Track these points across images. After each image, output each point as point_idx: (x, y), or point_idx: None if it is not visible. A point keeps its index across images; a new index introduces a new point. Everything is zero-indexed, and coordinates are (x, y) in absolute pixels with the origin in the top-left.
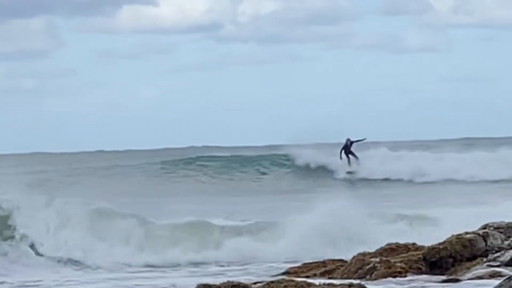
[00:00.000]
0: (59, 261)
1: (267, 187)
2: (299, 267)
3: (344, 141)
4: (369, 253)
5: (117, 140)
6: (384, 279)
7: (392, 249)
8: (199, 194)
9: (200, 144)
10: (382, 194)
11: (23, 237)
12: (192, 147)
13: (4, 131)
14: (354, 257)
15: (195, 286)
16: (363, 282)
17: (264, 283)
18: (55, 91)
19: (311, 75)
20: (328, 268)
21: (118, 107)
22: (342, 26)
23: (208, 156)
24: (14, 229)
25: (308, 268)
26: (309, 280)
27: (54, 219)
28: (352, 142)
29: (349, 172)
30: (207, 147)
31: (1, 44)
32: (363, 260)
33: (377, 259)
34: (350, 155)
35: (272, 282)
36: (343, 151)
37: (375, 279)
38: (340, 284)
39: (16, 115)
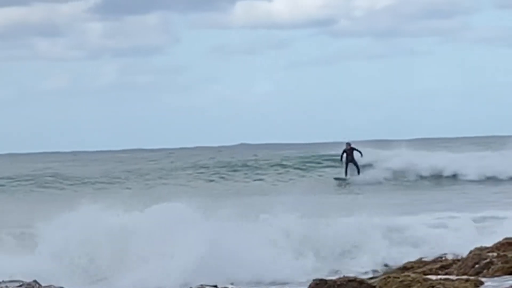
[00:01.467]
0: None
1: None
2: (415, 262)
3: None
4: (486, 248)
5: (232, 135)
6: (502, 276)
7: (509, 244)
8: None
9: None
10: None
11: None
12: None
13: (120, 126)
14: (471, 251)
15: (311, 281)
16: (480, 278)
17: (380, 277)
18: (170, 87)
19: (426, 69)
20: (444, 263)
21: (231, 102)
22: (458, 19)
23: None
24: None
25: (424, 263)
26: (426, 276)
27: None
28: (352, 148)
29: (337, 179)
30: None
31: (117, 41)
32: (480, 255)
33: (494, 254)
34: (350, 163)
35: (388, 277)
36: (343, 156)
37: (492, 275)
38: (457, 279)
39: (131, 110)
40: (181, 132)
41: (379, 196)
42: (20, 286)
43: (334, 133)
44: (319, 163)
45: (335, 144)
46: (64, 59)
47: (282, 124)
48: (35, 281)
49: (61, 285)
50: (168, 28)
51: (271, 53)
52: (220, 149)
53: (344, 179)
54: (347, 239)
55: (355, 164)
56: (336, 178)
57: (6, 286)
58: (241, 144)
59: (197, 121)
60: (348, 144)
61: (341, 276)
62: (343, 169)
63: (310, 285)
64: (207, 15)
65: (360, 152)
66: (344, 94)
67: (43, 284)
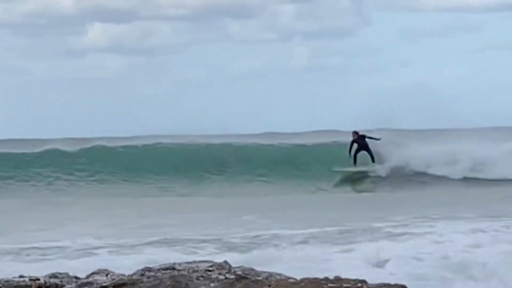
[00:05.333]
0: None
1: None
2: None
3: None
4: None
5: (422, 118)
6: None
7: None
8: None
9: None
10: None
11: None
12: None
13: (311, 108)
14: None
15: None
16: None
17: None
18: (361, 70)
19: None
20: None
21: (423, 86)
22: None
23: None
24: None
25: None
26: None
27: None
28: (362, 136)
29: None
30: None
31: (308, 23)
32: None
33: None
34: (362, 151)
35: None
36: (352, 147)
37: None
38: None
39: (321, 93)
40: (371, 114)
41: None
42: (211, 266)
43: None
44: None
45: None
46: (255, 41)
47: (473, 108)
48: (225, 261)
49: None
50: (359, 10)
51: (464, 36)
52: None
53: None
54: None
55: (369, 152)
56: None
57: (197, 266)
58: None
59: (387, 104)
60: (356, 132)
61: None
62: (352, 160)
63: None
64: None
65: (374, 138)
66: None
67: (233, 265)
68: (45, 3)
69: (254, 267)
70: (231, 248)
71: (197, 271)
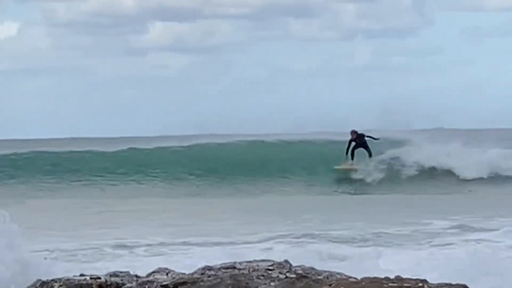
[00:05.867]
0: None
1: None
2: None
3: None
4: None
5: (483, 118)
6: None
7: None
8: None
9: None
10: None
11: None
12: None
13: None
14: None
15: None
16: None
17: None
18: (422, 69)
19: None
20: None
21: (485, 86)
22: None
23: None
24: None
25: None
26: None
27: None
28: (361, 135)
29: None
30: None
31: (371, 22)
32: None
33: None
34: (358, 149)
35: None
36: (350, 147)
37: None
38: None
39: (383, 92)
40: (431, 113)
41: None
42: (272, 265)
43: None
44: None
45: None
46: (317, 40)
47: None
48: (286, 260)
49: None
50: (421, 10)
51: None
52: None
53: (344, 169)
54: None
55: (367, 149)
56: (337, 170)
57: (258, 265)
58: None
59: (449, 103)
60: (354, 132)
61: None
62: (349, 157)
63: None
64: None
65: (373, 137)
66: None
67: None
68: (108, 2)
69: (315, 266)
70: (291, 247)
71: (257, 270)
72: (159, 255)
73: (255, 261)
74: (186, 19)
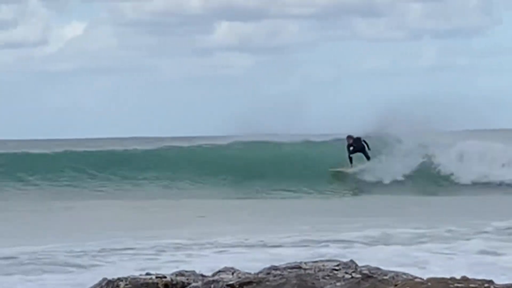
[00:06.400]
0: None
1: None
2: None
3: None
4: None
5: None
6: None
7: None
8: None
9: None
10: None
11: None
12: None
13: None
14: None
15: None
16: None
17: None
18: (489, 69)
19: None
20: None
21: None
22: None
23: None
24: None
25: None
26: None
27: None
28: (357, 139)
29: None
30: None
31: (438, 22)
32: None
33: None
34: (356, 153)
35: None
36: (350, 151)
37: None
38: None
39: (449, 92)
40: (498, 113)
41: None
42: (337, 265)
43: None
44: None
45: None
46: (383, 39)
47: None
48: (351, 260)
49: None
50: (488, 9)
51: None
52: None
53: (340, 172)
54: None
55: (365, 153)
56: (334, 170)
57: (323, 265)
58: None
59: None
60: (350, 137)
61: None
62: (348, 161)
63: None
64: None
65: (367, 144)
66: None
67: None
68: (174, 2)
69: (381, 267)
70: (356, 247)
71: (323, 270)
72: (224, 254)
73: (321, 261)
74: (252, 19)
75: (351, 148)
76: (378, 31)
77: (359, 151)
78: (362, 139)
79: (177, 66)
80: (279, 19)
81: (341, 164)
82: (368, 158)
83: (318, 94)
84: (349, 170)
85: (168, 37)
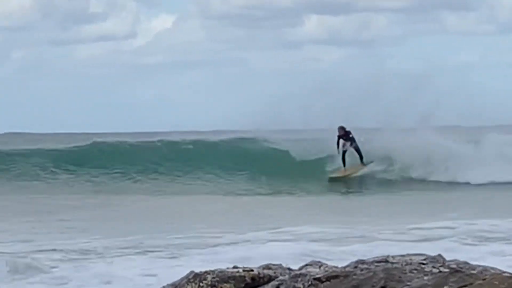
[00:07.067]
0: None
1: None
2: None
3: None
4: None
5: None
6: None
7: None
8: None
9: None
10: None
11: None
12: None
13: None
14: None
15: None
16: None
17: None
18: None
19: None
20: None
21: None
22: None
23: None
24: None
25: None
26: None
27: None
28: (348, 133)
29: (333, 177)
30: None
31: None
32: None
33: None
34: (348, 150)
35: None
36: (339, 145)
37: None
38: None
39: None
40: None
41: None
42: (425, 259)
43: None
44: None
45: None
46: (473, 33)
47: None
48: (439, 255)
49: None
50: None
51: None
52: None
53: (340, 177)
54: None
55: (358, 151)
56: (332, 178)
57: (411, 259)
58: None
59: None
60: (342, 128)
61: None
62: (341, 160)
63: None
64: None
65: (355, 140)
66: None
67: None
68: None
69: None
70: (445, 242)
71: (410, 264)
72: (310, 248)
73: (408, 255)
74: (341, 12)
75: (342, 140)
76: (468, 24)
77: (351, 146)
78: (351, 134)
79: (265, 59)
80: (368, 12)
81: (338, 169)
82: (361, 158)
83: (406, 88)
84: (347, 172)
85: (257, 30)
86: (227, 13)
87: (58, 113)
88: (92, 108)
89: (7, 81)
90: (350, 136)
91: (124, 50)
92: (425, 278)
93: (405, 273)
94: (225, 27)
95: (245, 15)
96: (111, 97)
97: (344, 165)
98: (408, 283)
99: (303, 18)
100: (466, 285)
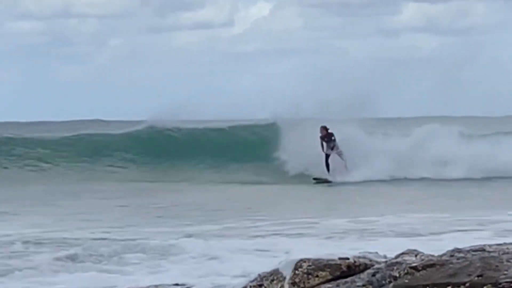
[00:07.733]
0: None
1: None
2: None
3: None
4: None
5: None
6: None
7: None
8: None
9: None
10: None
11: None
12: None
13: None
14: None
15: None
16: None
17: None
18: None
19: None
20: None
21: None
22: None
23: None
24: None
25: None
26: None
27: None
28: (331, 134)
29: (317, 179)
30: None
31: None
32: None
33: None
34: (331, 155)
35: None
36: (324, 147)
37: None
38: None
39: None
40: None
41: None
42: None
43: None
44: None
45: None
46: None
47: None
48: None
49: None
50: None
51: None
52: None
53: (326, 181)
54: None
55: (340, 154)
56: (316, 179)
57: (507, 248)
58: None
59: None
60: (324, 128)
61: None
62: (324, 165)
63: None
64: None
65: (337, 145)
66: None
67: None
68: None
69: None
70: None
71: (507, 253)
72: (407, 237)
73: (505, 244)
74: (440, 0)
75: (324, 143)
76: None
77: (333, 149)
78: (333, 137)
79: (362, 47)
80: (467, 0)
81: (323, 172)
82: (345, 164)
83: (502, 76)
84: (330, 178)
85: (354, 18)
86: (324, 1)
87: (154, 101)
88: (189, 96)
89: (104, 68)
90: (333, 138)
91: (221, 37)
92: None
93: (502, 262)
94: (322, 15)
95: (342, 3)
96: (208, 85)
97: (328, 170)
98: (505, 272)
99: (401, 6)
100: None
